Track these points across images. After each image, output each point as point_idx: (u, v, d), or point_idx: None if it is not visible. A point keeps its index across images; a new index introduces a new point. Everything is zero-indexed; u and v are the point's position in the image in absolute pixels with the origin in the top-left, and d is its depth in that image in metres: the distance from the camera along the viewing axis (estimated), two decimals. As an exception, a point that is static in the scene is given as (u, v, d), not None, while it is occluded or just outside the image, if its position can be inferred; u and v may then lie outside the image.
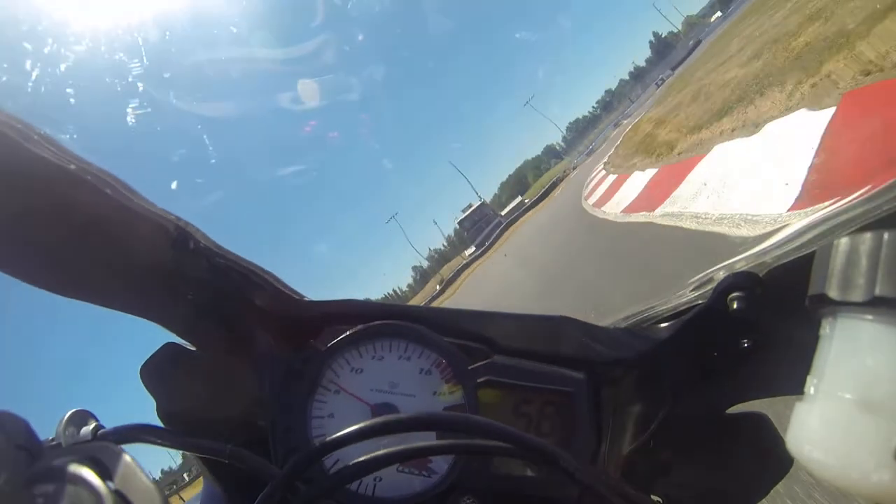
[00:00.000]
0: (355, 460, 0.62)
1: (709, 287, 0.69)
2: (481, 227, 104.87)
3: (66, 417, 0.64)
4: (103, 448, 0.55)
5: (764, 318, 0.65)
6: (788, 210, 5.34)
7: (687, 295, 0.74)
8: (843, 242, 0.47)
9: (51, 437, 0.63)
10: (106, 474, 0.50)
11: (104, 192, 0.61)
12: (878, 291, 0.42)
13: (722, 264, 0.73)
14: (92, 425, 0.64)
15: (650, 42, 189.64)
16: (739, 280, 0.65)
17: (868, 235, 0.45)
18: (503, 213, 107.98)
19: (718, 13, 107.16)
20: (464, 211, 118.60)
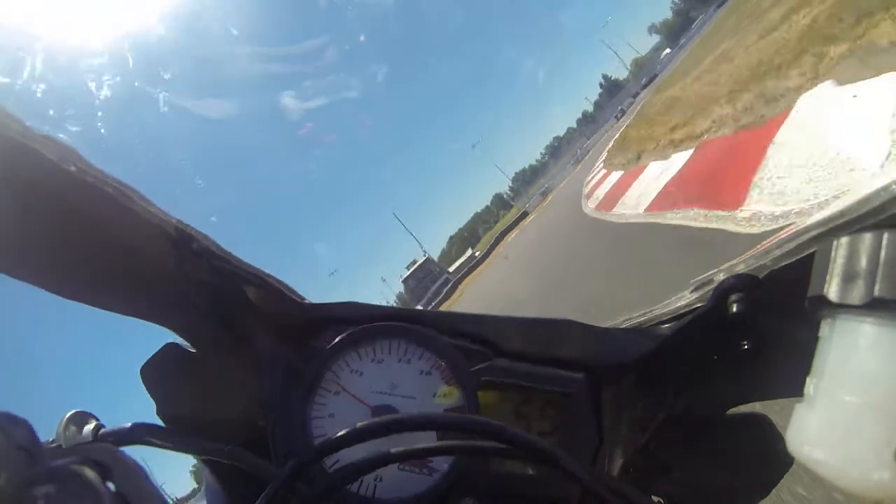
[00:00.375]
0: (355, 460, 0.62)
1: (708, 289, 0.70)
2: (427, 285, 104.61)
3: (66, 418, 0.64)
4: (103, 449, 0.55)
5: (764, 319, 0.65)
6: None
7: (687, 297, 0.75)
8: (843, 243, 0.47)
9: (51, 439, 0.63)
10: (106, 475, 0.50)
11: (106, 193, 0.61)
12: (877, 293, 0.43)
13: (722, 267, 0.73)
14: (92, 425, 0.64)
15: (600, 83, 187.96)
16: (739, 282, 0.66)
17: (868, 236, 0.45)
18: (451, 269, 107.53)
19: (668, 50, 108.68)
20: (408, 268, 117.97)
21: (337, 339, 0.79)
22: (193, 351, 0.79)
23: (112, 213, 0.63)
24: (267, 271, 0.78)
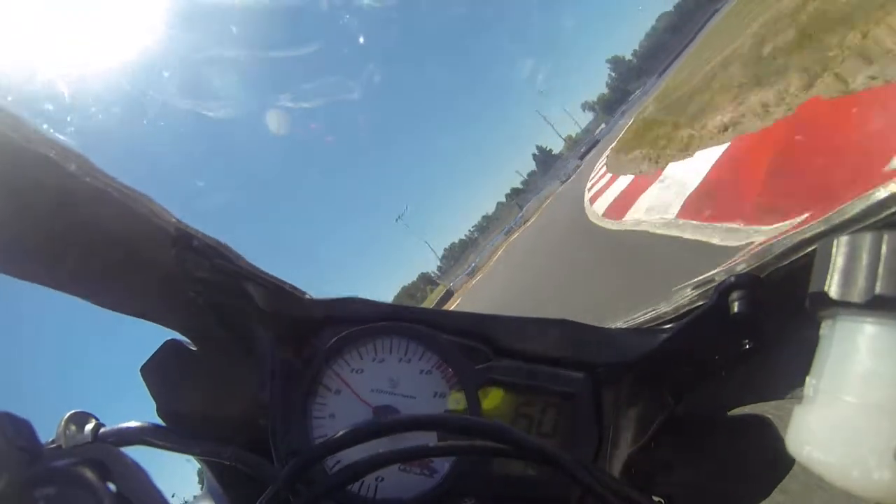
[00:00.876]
0: (355, 461, 0.62)
1: (710, 288, 0.69)
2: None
3: (66, 418, 0.63)
4: (103, 449, 0.56)
5: (765, 319, 0.65)
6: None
7: (688, 296, 0.74)
8: (844, 242, 0.47)
9: (51, 439, 0.62)
10: (106, 475, 0.51)
11: (106, 192, 0.61)
12: (878, 291, 0.42)
13: (723, 266, 0.73)
14: (92, 425, 0.64)
15: (534, 155, 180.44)
16: (740, 281, 0.65)
17: (868, 235, 0.45)
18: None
19: (603, 125, 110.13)
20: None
21: (337, 338, 0.79)
22: (194, 349, 0.78)
23: (112, 212, 0.63)
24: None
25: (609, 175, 17.96)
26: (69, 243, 0.63)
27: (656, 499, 0.79)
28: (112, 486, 0.50)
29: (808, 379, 0.49)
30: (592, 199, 16.80)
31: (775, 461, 0.73)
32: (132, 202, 0.64)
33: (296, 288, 0.82)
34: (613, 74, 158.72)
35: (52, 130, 0.57)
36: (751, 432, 0.76)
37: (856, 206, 0.52)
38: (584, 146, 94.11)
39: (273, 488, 0.59)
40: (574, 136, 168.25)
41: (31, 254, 0.62)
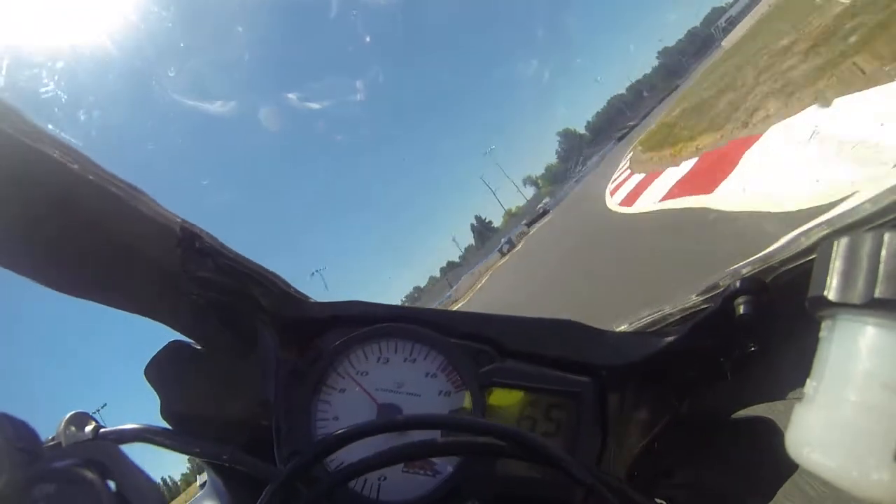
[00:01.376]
0: (355, 461, 0.62)
1: (715, 292, 0.69)
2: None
3: (66, 418, 0.63)
4: (103, 448, 0.56)
5: (770, 322, 0.65)
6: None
7: (693, 300, 0.74)
8: (844, 244, 0.47)
9: (51, 437, 0.62)
10: (106, 474, 0.51)
11: (108, 191, 0.62)
12: (877, 293, 0.42)
13: (728, 269, 0.72)
14: (92, 426, 0.64)
15: (472, 225, 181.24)
16: (746, 285, 0.65)
17: (868, 237, 0.45)
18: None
19: (547, 199, 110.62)
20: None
21: (342, 340, 0.79)
22: (198, 349, 0.78)
23: (115, 211, 0.63)
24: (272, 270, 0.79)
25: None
26: (71, 242, 0.63)
27: (659, 501, 0.79)
28: (112, 485, 0.50)
29: (808, 380, 0.49)
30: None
31: (779, 463, 0.73)
32: (135, 202, 0.65)
33: (299, 291, 0.82)
34: (564, 146, 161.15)
35: (56, 129, 0.58)
36: (755, 434, 0.77)
37: (858, 209, 0.52)
38: (527, 220, 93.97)
39: (271, 488, 0.60)
40: (514, 209, 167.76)
41: (33, 253, 0.62)
